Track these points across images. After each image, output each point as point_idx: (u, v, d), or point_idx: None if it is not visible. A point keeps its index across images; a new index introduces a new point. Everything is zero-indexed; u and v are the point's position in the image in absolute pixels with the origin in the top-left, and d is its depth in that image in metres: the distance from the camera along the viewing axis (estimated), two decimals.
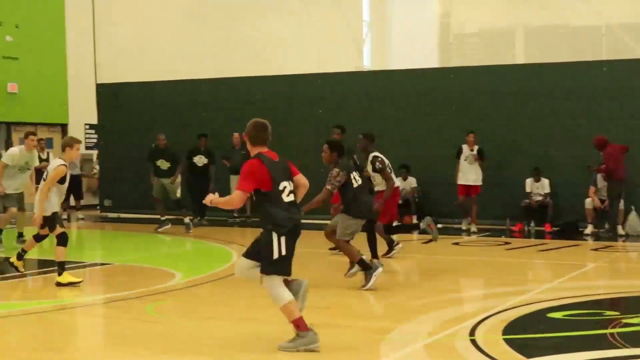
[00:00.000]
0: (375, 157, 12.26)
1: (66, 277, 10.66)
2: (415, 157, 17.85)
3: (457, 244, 15.44)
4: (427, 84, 18.26)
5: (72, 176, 15.87)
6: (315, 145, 18.13)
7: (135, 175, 19.83)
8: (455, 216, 17.31)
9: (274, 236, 6.96)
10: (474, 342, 7.57)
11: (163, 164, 17.34)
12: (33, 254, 12.95)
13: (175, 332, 8.16)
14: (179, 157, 17.59)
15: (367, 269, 10.39)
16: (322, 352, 7.09)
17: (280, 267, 7.05)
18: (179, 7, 25.24)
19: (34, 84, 22.56)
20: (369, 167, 12.24)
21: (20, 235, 14.88)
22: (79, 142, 10.78)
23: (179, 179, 17.44)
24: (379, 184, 12.38)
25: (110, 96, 21.10)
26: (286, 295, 7.06)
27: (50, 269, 12.67)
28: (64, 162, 10.62)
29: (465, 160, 16.83)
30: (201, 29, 25.74)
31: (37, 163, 14.90)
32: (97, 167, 22.76)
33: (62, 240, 10.75)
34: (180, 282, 11.14)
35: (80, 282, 10.73)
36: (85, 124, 23.81)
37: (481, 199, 17.00)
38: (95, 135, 23.28)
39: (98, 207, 22.18)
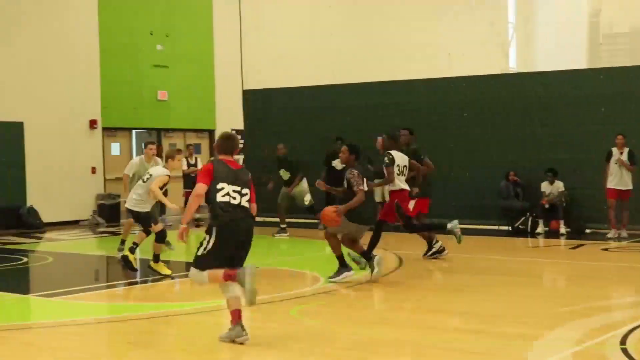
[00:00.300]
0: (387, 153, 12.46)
1: (160, 266, 11.91)
2: (562, 160, 17.35)
3: (606, 249, 14.91)
4: (575, 85, 17.72)
5: None
6: (461, 147, 18.08)
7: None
8: (604, 221, 16.71)
9: (213, 230, 7.78)
10: (625, 351, 7.28)
11: (284, 174, 17.34)
12: (180, 256, 13.36)
13: (319, 335, 8.20)
14: (298, 167, 17.36)
15: (343, 265, 11.12)
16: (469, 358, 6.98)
17: (202, 262, 7.81)
18: (325, 14, 25.55)
19: (183, 91, 23.26)
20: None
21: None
22: (180, 152, 12.01)
23: (305, 185, 17.29)
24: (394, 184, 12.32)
25: (256, 102, 21.47)
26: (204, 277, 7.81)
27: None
28: (168, 173, 11.64)
29: (615, 163, 16.24)
30: (345, 35, 26.00)
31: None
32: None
33: (160, 237, 12.00)
34: (324, 285, 11.17)
35: (169, 274, 11.85)
36: (232, 130, 24.34)
37: (633, 204, 16.34)
38: (242, 141, 23.80)
39: None
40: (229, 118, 23.56)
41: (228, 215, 7.79)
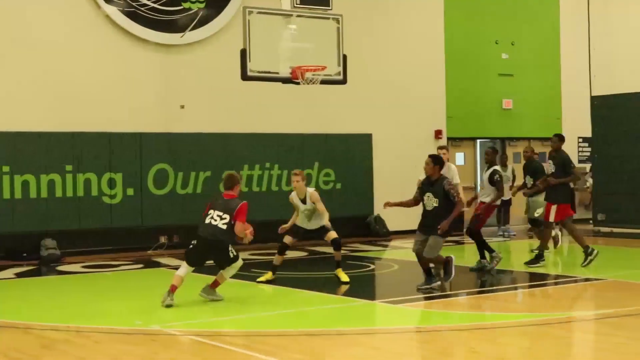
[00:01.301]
0: (496, 170, 13.55)
1: (340, 272, 12.57)
2: None
3: None
4: None
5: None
6: None
7: (632, 188, 19.07)
8: None
9: None
10: None
11: (529, 180, 16.02)
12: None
13: None
14: (539, 171, 15.93)
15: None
16: None
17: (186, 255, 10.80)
18: None
19: (528, 100, 22.91)
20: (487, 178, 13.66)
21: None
22: (296, 174, 12.60)
23: (541, 197, 15.78)
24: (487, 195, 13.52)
25: (604, 108, 20.59)
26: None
27: (538, 282, 12.74)
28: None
29: None
30: None
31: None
32: (590, 180, 22.36)
33: (336, 244, 12.60)
34: None
35: (347, 282, 12.38)
36: (578, 137, 23.56)
37: None
38: (589, 148, 22.94)
39: (591, 221, 21.75)
40: (576, 125, 22.84)
41: (201, 232, 10.77)
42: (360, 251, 17.21)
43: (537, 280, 13.21)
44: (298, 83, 14.51)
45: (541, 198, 14.71)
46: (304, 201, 12.54)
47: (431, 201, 11.57)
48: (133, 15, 17.40)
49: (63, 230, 16.31)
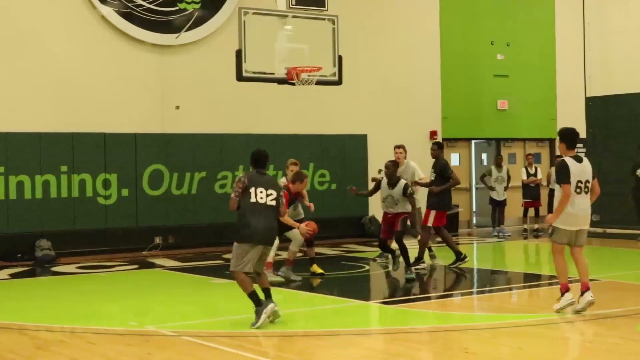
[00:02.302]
0: (407, 185, 13.32)
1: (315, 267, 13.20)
2: None
3: None
4: None
5: None
6: None
7: (626, 189, 19.09)
8: None
9: None
10: None
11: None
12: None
13: None
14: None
15: None
16: None
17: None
18: None
19: (523, 100, 22.93)
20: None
21: None
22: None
23: None
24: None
25: (599, 109, 20.62)
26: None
27: (533, 283, 12.77)
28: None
29: None
30: None
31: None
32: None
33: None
34: None
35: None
36: None
37: None
38: (584, 149, 22.98)
39: None
40: (571, 126, 22.82)
41: None
42: (354, 251, 17.20)
43: (531, 280, 13.25)
44: (293, 84, 14.52)
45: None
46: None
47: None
48: (128, 16, 17.38)
49: (58, 231, 16.29)
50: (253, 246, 9.22)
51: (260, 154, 9.78)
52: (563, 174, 9.53)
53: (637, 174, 18.30)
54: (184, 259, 15.63)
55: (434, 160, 14.48)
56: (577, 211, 9.58)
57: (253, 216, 9.23)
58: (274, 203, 9.41)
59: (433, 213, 14.03)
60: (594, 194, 9.76)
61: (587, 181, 9.62)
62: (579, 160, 9.65)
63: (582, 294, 9.52)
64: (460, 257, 14.08)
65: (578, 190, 9.55)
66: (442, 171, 14.15)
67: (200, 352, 8.28)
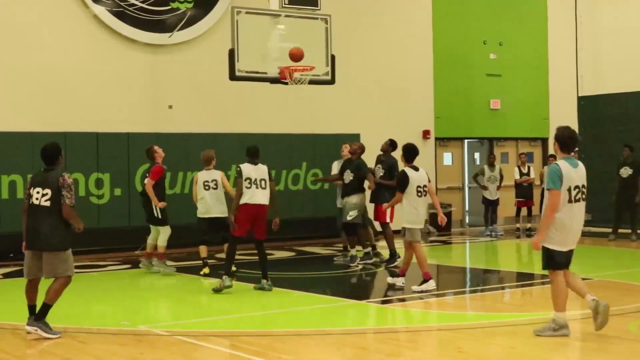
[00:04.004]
0: None
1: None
2: None
3: None
4: None
5: None
6: None
7: (614, 189, 19.14)
8: None
9: None
10: None
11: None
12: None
13: None
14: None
15: None
16: None
17: None
18: None
19: (516, 100, 22.96)
20: None
21: None
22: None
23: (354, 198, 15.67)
24: None
25: (591, 108, 20.66)
26: None
27: (525, 282, 12.79)
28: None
29: None
30: None
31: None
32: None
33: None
34: None
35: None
36: None
37: None
38: (576, 148, 22.98)
39: None
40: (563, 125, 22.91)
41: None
42: (348, 251, 17.17)
43: (524, 280, 13.27)
44: (286, 83, 14.52)
45: (354, 200, 14.26)
46: None
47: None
48: (121, 15, 17.36)
49: None
50: None
51: None
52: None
53: (621, 173, 18.38)
54: (176, 258, 15.61)
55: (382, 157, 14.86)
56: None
57: None
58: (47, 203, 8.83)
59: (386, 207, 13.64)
60: None
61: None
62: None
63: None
64: (394, 256, 14.24)
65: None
66: (390, 169, 14.43)
67: (193, 352, 8.28)
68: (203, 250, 13.43)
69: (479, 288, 12.89)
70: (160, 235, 13.73)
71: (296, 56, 13.86)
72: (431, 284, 11.45)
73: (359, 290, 13.02)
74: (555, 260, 8.44)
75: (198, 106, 18.18)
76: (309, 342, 8.71)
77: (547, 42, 23.61)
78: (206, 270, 13.25)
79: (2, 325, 9.56)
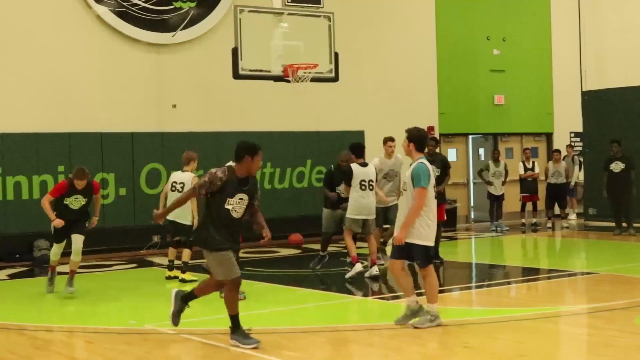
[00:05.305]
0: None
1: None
2: None
3: None
4: None
5: (555, 185, 16.18)
6: None
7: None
8: None
9: None
10: None
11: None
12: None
13: None
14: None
15: None
16: None
17: None
18: None
19: (520, 95, 22.93)
20: None
21: None
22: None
23: None
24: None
25: (595, 103, 20.64)
26: None
27: (531, 277, 12.77)
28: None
29: None
30: None
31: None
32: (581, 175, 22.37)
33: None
34: None
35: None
36: (570, 132, 23.61)
37: None
38: (580, 143, 22.98)
39: (582, 216, 21.79)
40: (567, 120, 22.92)
41: None
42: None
43: (529, 275, 13.28)
44: (289, 81, 14.50)
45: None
46: None
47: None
48: (124, 15, 17.37)
49: None
50: None
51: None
52: None
53: (612, 168, 18.36)
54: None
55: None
56: None
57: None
58: None
59: None
60: None
61: None
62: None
63: None
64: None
65: None
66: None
67: (199, 350, 8.29)
68: (172, 252, 13.11)
69: (485, 283, 12.88)
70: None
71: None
72: (358, 267, 12.56)
73: (366, 286, 13.01)
74: (430, 255, 9.00)
75: (202, 105, 18.19)
76: (315, 339, 8.72)
77: (550, 38, 23.59)
78: (174, 273, 13.01)
79: (9, 325, 9.59)
